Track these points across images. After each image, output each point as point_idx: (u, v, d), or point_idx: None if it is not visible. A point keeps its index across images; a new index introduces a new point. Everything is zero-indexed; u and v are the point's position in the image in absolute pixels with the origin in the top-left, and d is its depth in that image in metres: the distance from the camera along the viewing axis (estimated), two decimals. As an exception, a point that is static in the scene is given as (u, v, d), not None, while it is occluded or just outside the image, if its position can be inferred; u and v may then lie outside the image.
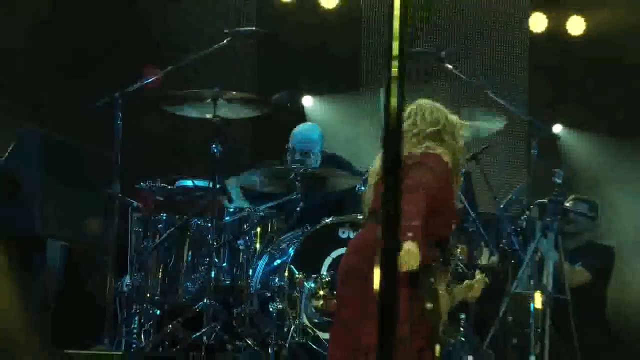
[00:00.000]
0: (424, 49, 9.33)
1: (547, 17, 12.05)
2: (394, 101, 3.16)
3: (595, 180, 11.43)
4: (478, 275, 6.90)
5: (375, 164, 6.99)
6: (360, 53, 11.36)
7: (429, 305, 6.60)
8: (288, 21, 11.37)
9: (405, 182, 6.32)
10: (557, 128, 11.83)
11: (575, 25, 12.09)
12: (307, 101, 11.19)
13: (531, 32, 11.92)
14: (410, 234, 6.20)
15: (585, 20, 12.01)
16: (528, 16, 11.86)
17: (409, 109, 7.07)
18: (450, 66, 8.95)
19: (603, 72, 11.81)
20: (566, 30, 12.14)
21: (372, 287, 6.11)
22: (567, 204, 9.50)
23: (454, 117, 7.09)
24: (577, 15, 12.03)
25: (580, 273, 9.49)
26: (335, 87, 11.19)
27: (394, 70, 3.22)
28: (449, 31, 11.46)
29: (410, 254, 6.19)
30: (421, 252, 6.24)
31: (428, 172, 6.61)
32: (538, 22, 12.03)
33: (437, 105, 7.08)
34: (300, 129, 9.38)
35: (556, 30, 12.07)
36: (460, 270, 7.64)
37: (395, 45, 3.19)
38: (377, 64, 10.88)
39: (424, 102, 7.13)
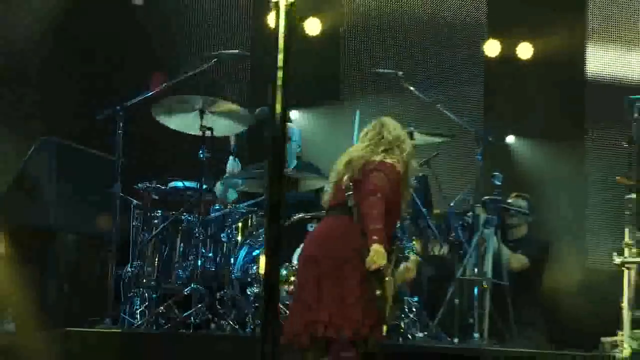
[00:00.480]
0: (385, 70, 9.18)
1: (501, 43, 11.87)
2: (278, 107, 3.07)
3: (537, 180, 11.32)
4: (412, 257, 6.88)
5: (337, 166, 6.95)
6: (339, 72, 11.33)
7: (378, 292, 6.54)
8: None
9: (367, 187, 6.64)
10: (510, 138, 11.77)
11: (525, 51, 11.95)
12: (293, 114, 11.04)
13: (486, 56, 11.77)
14: (376, 237, 6.35)
15: (533, 46, 11.89)
16: (484, 43, 11.77)
17: (376, 121, 7.12)
18: (407, 85, 8.95)
19: (546, 88, 11.65)
20: (516, 55, 11.98)
21: (327, 271, 6.26)
22: (510, 201, 9.60)
23: (408, 137, 7.23)
24: (525, 42, 11.89)
25: (520, 259, 9.44)
26: (317, 102, 11.03)
27: (279, 80, 3.13)
28: (417, 55, 11.39)
29: (378, 254, 6.32)
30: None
31: (384, 178, 6.64)
32: (492, 48, 11.87)
33: (398, 124, 7.10)
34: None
35: (508, 55, 11.90)
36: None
37: (280, 57, 3.08)
38: (353, 82, 10.81)
39: (388, 119, 7.15)
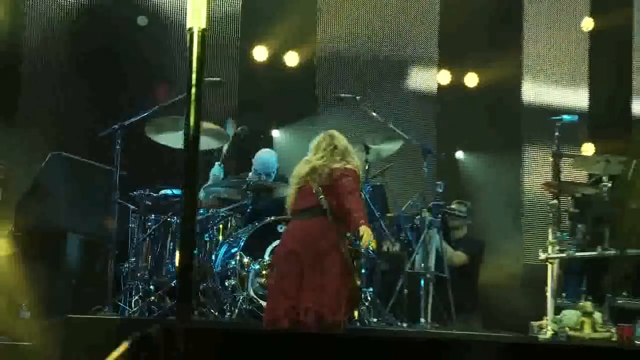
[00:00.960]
0: (346, 95, 9.14)
1: (451, 73, 11.87)
2: (192, 119, 3.01)
3: (479, 188, 11.49)
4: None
5: (298, 173, 6.95)
6: (314, 97, 11.32)
7: (358, 283, 6.80)
8: (262, 72, 11.19)
9: (346, 188, 6.70)
10: (459, 153, 11.79)
11: (471, 80, 11.97)
12: (275, 133, 10.99)
13: (439, 84, 11.78)
14: (363, 221, 6.54)
15: (478, 77, 11.90)
16: (437, 72, 11.78)
17: (324, 134, 7.09)
18: (364, 107, 9.01)
19: (489, 112, 11.70)
20: (464, 83, 12.01)
21: (309, 264, 6.59)
22: (452, 206, 9.64)
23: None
24: (472, 72, 11.91)
25: (460, 256, 9.46)
26: (296, 122, 10.99)
27: (193, 95, 3.08)
28: (383, 84, 11.47)
29: (368, 234, 6.49)
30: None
31: (355, 181, 6.78)
32: (444, 77, 11.87)
33: (343, 136, 7.10)
34: (262, 156, 9.23)
35: (457, 83, 11.92)
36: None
37: (194, 76, 3.03)
38: (328, 105, 10.80)
39: (335, 132, 7.13)
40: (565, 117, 8.75)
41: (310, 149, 7.13)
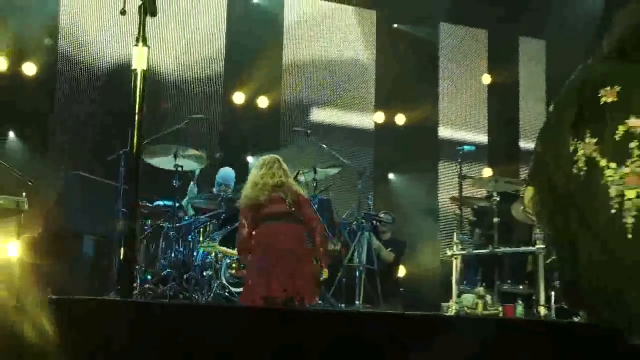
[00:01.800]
0: (299, 129, 9.19)
1: (384, 114, 11.74)
2: (135, 143, 2.88)
3: (404, 200, 11.33)
4: None
5: (265, 185, 6.76)
6: (279, 131, 11.13)
7: (325, 276, 6.91)
8: (239, 113, 11.06)
9: (313, 215, 6.86)
10: (391, 174, 11.69)
11: (400, 119, 11.86)
12: (250, 158, 10.77)
13: (375, 122, 11.67)
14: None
15: (405, 117, 11.78)
16: (374, 113, 11.69)
17: (269, 157, 6.95)
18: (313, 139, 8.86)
19: (413, 143, 11.59)
20: (395, 122, 11.89)
21: (286, 260, 6.45)
22: (381, 215, 9.45)
23: None
24: (400, 113, 11.79)
25: (389, 254, 9.32)
26: (265, 150, 10.82)
27: (137, 123, 2.92)
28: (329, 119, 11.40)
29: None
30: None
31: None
32: (379, 117, 11.74)
33: None
34: (223, 171, 8.97)
35: (389, 121, 11.79)
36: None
37: (137, 106, 2.86)
38: (289, 137, 10.70)
39: (277, 156, 7.04)
40: (466, 147, 8.79)
41: (259, 165, 6.91)
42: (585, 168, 3.37)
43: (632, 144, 3.29)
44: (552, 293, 7.33)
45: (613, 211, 3.25)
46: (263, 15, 11.00)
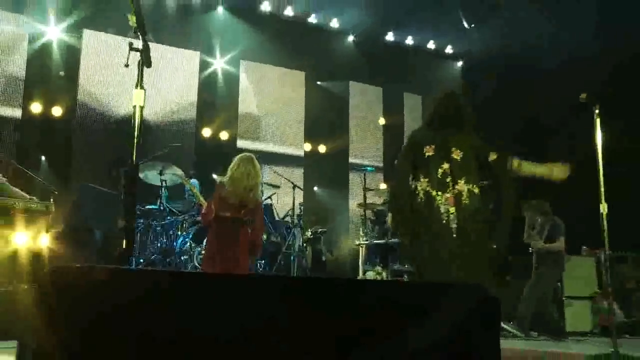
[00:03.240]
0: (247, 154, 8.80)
1: (311, 145, 11.55)
2: (134, 156, 2.70)
3: (326, 208, 11.15)
4: None
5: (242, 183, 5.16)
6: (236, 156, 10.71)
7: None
8: (207, 142, 10.69)
9: (260, 220, 5.31)
10: (316, 187, 11.48)
11: (322, 148, 11.69)
12: (215, 176, 10.04)
13: (305, 150, 11.53)
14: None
15: (326, 146, 11.68)
16: (303, 143, 11.51)
17: (252, 157, 5.44)
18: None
19: (332, 166, 11.57)
20: (318, 150, 11.71)
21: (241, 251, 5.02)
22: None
23: None
24: (322, 144, 11.64)
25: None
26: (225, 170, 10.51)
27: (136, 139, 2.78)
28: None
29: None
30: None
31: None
32: (307, 147, 11.60)
33: None
34: (193, 180, 8.59)
35: (314, 150, 11.63)
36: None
37: (135, 133, 2.73)
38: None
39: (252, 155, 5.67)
40: (368, 168, 8.81)
41: (238, 161, 5.35)
42: (424, 198, 3.94)
43: (448, 179, 3.91)
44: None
45: (444, 221, 3.86)
46: (225, 76, 10.80)
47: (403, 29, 11.61)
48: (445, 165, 3.93)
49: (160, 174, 7.79)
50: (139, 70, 2.93)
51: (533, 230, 6.82)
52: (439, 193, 3.90)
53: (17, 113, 9.05)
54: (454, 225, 3.84)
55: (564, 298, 7.10)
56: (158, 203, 7.90)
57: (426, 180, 3.94)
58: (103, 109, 9.68)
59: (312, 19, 11.10)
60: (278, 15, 10.84)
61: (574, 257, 7.24)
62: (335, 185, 11.44)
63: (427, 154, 3.97)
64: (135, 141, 2.81)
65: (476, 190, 3.89)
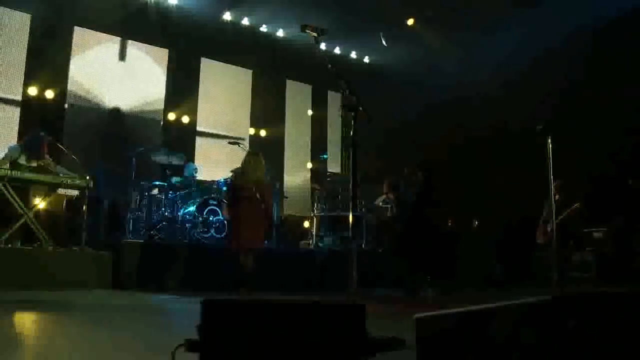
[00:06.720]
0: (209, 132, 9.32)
1: (254, 129, 12.06)
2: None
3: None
4: None
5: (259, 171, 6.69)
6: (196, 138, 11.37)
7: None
8: (172, 125, 11.17)
9: (269, 199, 6.78)
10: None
11: (263, 133, 12.19)
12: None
13: (250, 134, 11.93)
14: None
15: (267, 132, 12.34)
16: (249, 129, 12.13)
17: (259, 155, 6.77)
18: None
19: (271, 149, 11.89)
20: (260, 134, 12.20)
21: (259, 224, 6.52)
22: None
23: None
24: (263, 129, 12.23)
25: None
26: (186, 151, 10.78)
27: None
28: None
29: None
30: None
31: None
32: (251, 131, 12.10)
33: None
34: (190, 164, 9.16)
35: (257, 134, 12.15)
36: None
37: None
38: (204, 144, 11.02)
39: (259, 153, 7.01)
40: (324, 155, 10.21)
41: (249, 158, 6.72)
42: None
43: None
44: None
45: None
46: (187, 77, 11.38)
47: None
48: None
49: (167, 155, 8.80)
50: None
51: None
52: None
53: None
54: None
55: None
56: (164, 180, 8.78)
57: None
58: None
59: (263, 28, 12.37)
60: (236, 22, 12.10)
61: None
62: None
63: None
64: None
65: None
